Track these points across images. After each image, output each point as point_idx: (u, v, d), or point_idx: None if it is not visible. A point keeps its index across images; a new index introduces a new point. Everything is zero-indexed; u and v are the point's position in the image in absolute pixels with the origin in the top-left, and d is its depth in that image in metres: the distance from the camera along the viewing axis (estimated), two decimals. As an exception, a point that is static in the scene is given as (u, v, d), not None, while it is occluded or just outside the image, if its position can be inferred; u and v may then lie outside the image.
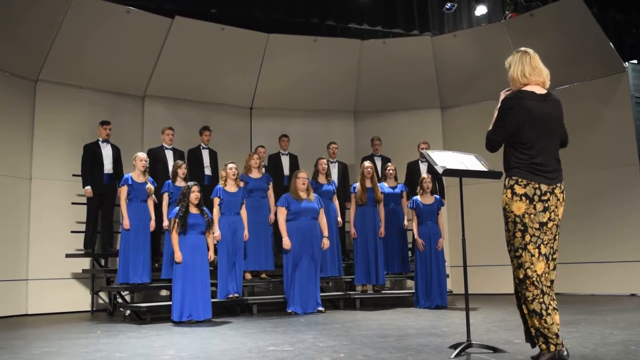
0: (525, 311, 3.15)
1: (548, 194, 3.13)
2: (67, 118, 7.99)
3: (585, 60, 8.35)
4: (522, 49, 3.34)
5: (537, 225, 3.12)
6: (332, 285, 8.44)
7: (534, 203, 3.11)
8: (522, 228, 3.12)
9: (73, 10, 7.62)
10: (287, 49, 9.19)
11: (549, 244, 3.16)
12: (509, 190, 3.17)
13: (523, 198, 3.12)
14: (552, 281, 3.18)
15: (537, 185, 3.12)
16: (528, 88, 3.23)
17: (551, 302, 3.11)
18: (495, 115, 3.29)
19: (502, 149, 3.32)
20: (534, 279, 3.09)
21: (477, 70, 9.06)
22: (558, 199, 3.16)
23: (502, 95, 3.33)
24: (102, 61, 8.16)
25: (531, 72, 3.24)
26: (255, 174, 7.32)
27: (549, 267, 3.16)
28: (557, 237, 3.21)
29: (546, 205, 3.13)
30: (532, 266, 3.11)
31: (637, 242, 7.90)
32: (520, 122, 3.17)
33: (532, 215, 3.11)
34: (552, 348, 3.06)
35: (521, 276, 3.13)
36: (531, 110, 3.16)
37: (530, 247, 3.11)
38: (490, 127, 3.30)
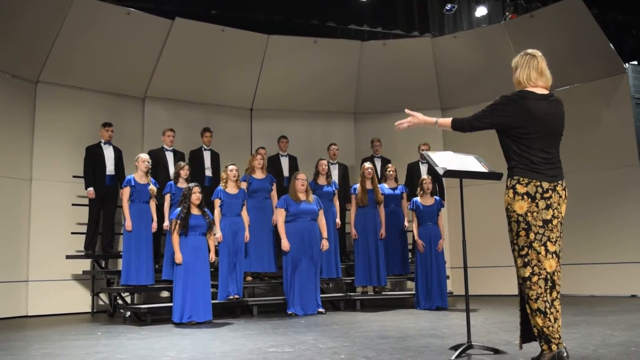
0: (529, 310, 3.14)
1: (550, 191, 3.13)
2: (67, 119, 7.99)
3: (585, 62, 8.35)
4: (530, 51, 3.32)
5: (540, 223, 3.12)
6: (333, 286, 8.44)
7: (536, 201, 3.12)
8: (526, 227, 3.13)
9: (73, 11, 7.63)
10: (287, 50, 9.19)
11: (557, 242, 3.15)
12: (511, 190, 3.17)
13: (525, 197, 3.13)
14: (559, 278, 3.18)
15: (538, 183, 3.12)
16: (529, 89, 3.24)
17: (555, 301, 3.11)
18: (488, 106, 3.29)
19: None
20: (542, 276, 3.10)
21: (477, 72, 9.06)
22: (560, 196, 3.17)
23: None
24: (102, 63, 8.16)
25: (537, 77, 3.24)
26: (259, 175, 7.33)
27: (559, 265, 3.15)
28: (561, 234, 3.20)
29: (549, 202, 3.13)
30: (540, 264, 3.11)
31: (637, 243, 7.89)
32: (518, 120, 3.17)
33: (534, 213, 3.12)
34: (554, 347, 3.05)
35: (527, 275, 3.12)
36: (531, 109, 3.16)
37: (535, 244, 3.11)
38: (477, 113, 3.33)
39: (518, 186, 3.15)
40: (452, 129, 3.48)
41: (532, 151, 3.16)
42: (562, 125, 3.26)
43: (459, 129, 3.46)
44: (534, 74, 3.24)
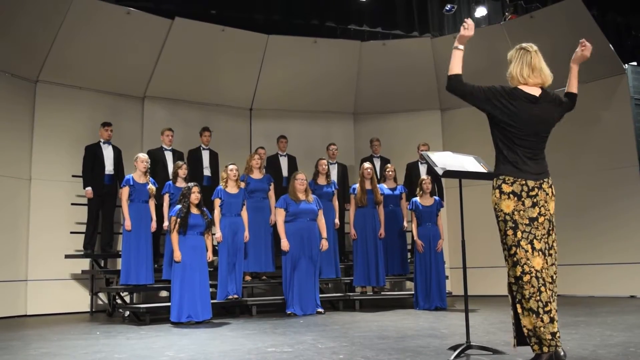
0: (520, 310, 3.11)
1: (536, 189, 3.13)
2: (66, 119, 7.99)
3: (585, 62, 8.28)
4: (525, 45, 3.28)
5: (526, 221, 3.11)
6: (332, 286, 8.44)
7: (522, 199, 3.12)
8: (513, 225, 3.12)
9: (73, 11, 7.62)
10: (287, 50, 9.19)
11: (542, 239, 3.13)
12: (497, 190, 3.17)
13: (511, 196, 3.12)
14: (552, 277, 3.14)
15: (523, 182, 3.13)
16: (523, 88, 3.22)
17: (550, 300, 3.06)
18: (486, 86, 3.26)
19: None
20: (533, 274, 3.07)
21: (476, 72, 8.97)
22: (547, 194, 3.16)
23: None
24: (101, 62, 8.16)
25: (529, 74, 3.21)
26: (256, 175, 7.32)
27: (547, 263, 3.12)
28: (551, 232, 3.18)
29: (535, 200, 3.12)
30: (529, 262, 3.08)
31: (636, 244, 7.89)
32: (502, 113, 3.17)
33: (521, 212, 3.11)
34: (545, 349, 3.02)
35: (518, 274, 3.09)
36: (519, 111, 3.15)
37: (522, 243, 3.10)
38: (475, 86, 3.30)
39: (504, 185, 3.15)
40: (447, 74, 3.39)
41: (516, 150, 3.16)
42: (548, 128, 3.24)
43: (448, 84, 3.39)
44: (526, 70, 3.22)
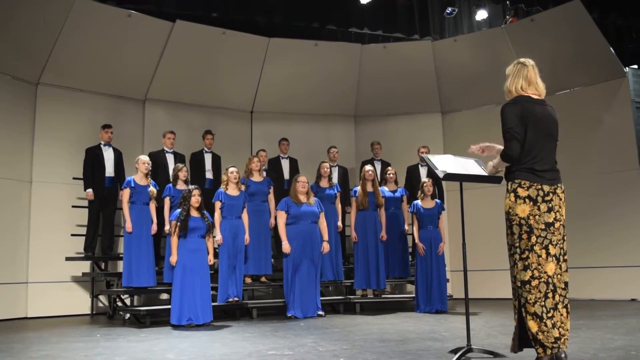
0: (524, 314, 3.13)
1: (551, 194, 3.16)
2: (67, 121, 7.99)
3: (585, 65, 8.35)
4: (522, 60, 3.37)
5: (542, 226, 3.13)
6: (332, 289, 8.43)
7: (538, 204, 3.14)
8: (528, 230, 3.14)
9: (74, 13, 7.63)
10: (288, 53, 9.20)
11: (558, 245, 3.16)
12: (512, 194, 3.19)
13: (527, 200, 3.15)
14: (566, 283, 3.18)
15: (539, 187, 3.15)
16: (524, 94, 3.28)
17: (558, 305, 3.09)
18: (506, 117, 3.22)
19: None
20: (542, 280, 3.09)
21: (477, 75, 9.05)
22: (560, 199, 3.20)
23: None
24: (103, 65, 8.17)
25: (526, 87, 3.29)
26: (256, 177, 7.32)
27: (560, 269, 3.16)
28: (565, 237, 3.22)
29: (550, 205, 3.15)
30: (540, 267, 3.11)
31: (637, 247, 7.89)
32: (521, 123, 3.19)
33: (537, 217, 3.13)
34: (549, 352, 3.05)
35: (526, 278, 3.12)
36: (528, 112, 3.19)
37: (536, 247, 3.12)
38: (508, 130, 3.22)
39: (519, 190, 3.17)
40: (503, 161, 3.31)
41: (531, 154, 3.18)
42: (557, 129, 3.30)
43: (506, 159, 3.26)
44: (523, 83, 3.29)
